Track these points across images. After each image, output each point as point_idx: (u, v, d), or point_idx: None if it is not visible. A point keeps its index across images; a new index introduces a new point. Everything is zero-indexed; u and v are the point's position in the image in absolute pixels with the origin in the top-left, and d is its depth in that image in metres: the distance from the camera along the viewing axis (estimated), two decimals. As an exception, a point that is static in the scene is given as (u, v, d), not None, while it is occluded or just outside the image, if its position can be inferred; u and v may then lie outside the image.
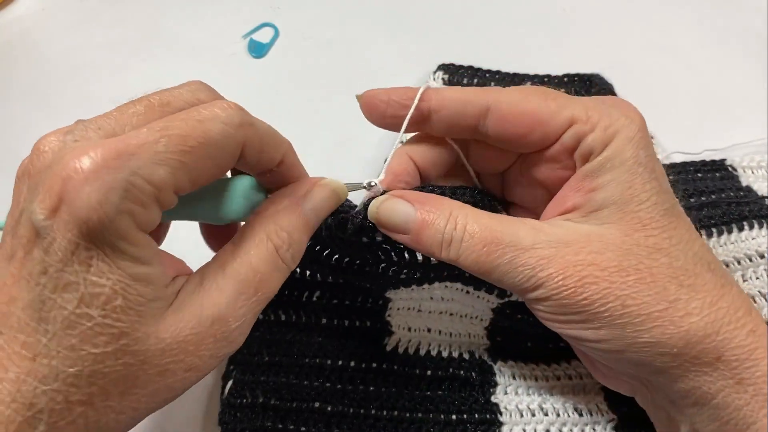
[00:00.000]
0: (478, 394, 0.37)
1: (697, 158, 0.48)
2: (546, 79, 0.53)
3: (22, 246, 0.22)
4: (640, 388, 0.31)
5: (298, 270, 0.37)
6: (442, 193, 0.31)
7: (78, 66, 0.59)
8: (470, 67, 0.54)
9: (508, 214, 0.35)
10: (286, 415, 0.35)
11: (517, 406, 0.37)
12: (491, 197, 0.34)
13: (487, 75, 0.54)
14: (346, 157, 0.51)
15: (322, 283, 0.39)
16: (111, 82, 0.58)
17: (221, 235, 0.32)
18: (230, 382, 0.37)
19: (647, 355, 0.27)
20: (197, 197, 0.26)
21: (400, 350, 0.39)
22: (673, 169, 0.47)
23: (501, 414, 0.36)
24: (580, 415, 0.36)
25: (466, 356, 0.39)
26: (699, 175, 0.47)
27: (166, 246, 0.29)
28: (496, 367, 0.39)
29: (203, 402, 0.39)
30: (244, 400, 0.36)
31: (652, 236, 0.27)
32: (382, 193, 0.31)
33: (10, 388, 0.21)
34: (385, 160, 0.32)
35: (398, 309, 0.38)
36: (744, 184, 0.45)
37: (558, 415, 0.36)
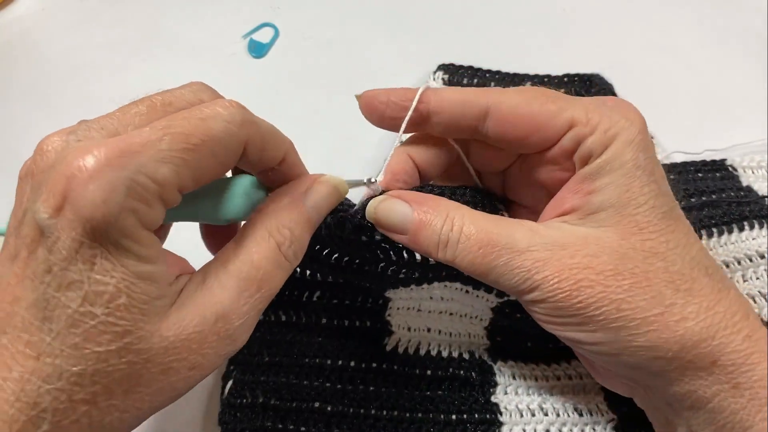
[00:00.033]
0: (478, 394, 0.37)
1: (697, 158, 0.48)
2: (546, 79, 0.53)
3: (26, 246, 0.22)
4: (638, 390, 0.31)
5: (298, 270, 0.37)
6: (441, 193, 0.31)
7: (78, 66, 0.59)
8: (470, 67, 0.54)
9: (509, 212, 0.35)
10: (286, 415, 0.35)
11: (517, 406, 0.37)
12: (491, 196, 0.34)
13: (487, 75, 0.54)
14: (346, 157, 0.51)
15: (322, 283, 0.39)
16: (111, 82, 0.58)
17: (221, 236, 0.32)
18: (230, 382, 0.37)
19: (642, 358, 0.27)
20: (198, 197, 0.26)
21: (400, 350, 0.39)
22: (673, 168, 0.47)
23: (501, 414, 0.36)
24: (580, 415, 0.36)
25: (466, 356, 0.39)
26: (699, 174, 0.47)
27: (167, 247, 0.29)
28: (496, 367, 0.39)
29: (203, 402, 0.39)
30: (244, 400, 0.36)
31: (649, 240, 0.27)
32: (380, 193, 0.31)
33: (13, 387, 0.21)
34: (385, 160, 0.32)
35: (398, 309, 0.38)
36: (744, 184, 0.45)
37: (558, 415, 0.36)
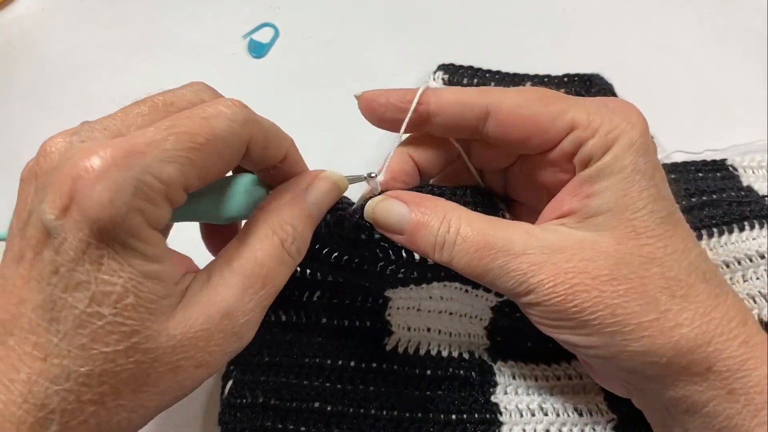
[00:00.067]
0: (478, 393, 0.37)
1: (698, 158, 0.48)
2: (546, 79, 0.53)
3: (32, 247, 0.22)
4: (635, 392, 0.31)
5: (298, 269, 0.37)
6: (441, 193, 0.31)
7: (78, 66, 0.59)
8: (470, 67, 0.54)
9: (511, 211, 0.35)
10: (286, 415, 0.35)
11: (517, 406, 0.37)
12: (492, 196, 0.34)
13: (487, 75, 0.54)
14: (346, 156, 0.51)
15: (322, 283, 0.39)
16: (111, 82, 0.58)
17: (221, 236, 0.32)
18: (230, 382, 0.37)
19: (637, 363, 0.27)
20: (199, 196, 0.26)
21: (400, 350, 0.39)
22: (674, 168, 0.47)
23: (501, 414, 0.36)
24: (580, 415, 0.36)
25: (465, 356, 0.39)
26: (700, 174, 0.47)
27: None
28: (496, 367, 0.39)
29: (203, 402, 0.39)
30: (244, 400, 0.36)
31: (646, 245, 0.27)
32: (379, 193, 0.31)
33: (21, 388, 0.21)
34: (387, 158, 0.32)
35: (398, 308, 0.38)
36: (745, 183, 0.45)
37: (558, 415, 0.36)
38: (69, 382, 0.21)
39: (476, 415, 0.36)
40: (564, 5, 0.64)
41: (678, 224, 0.28)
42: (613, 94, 0.51)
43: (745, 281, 0.39)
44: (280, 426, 0.35)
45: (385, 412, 0.36)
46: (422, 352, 0.39)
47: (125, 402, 0.23)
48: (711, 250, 0.40)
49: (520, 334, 0.39)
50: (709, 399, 0.27)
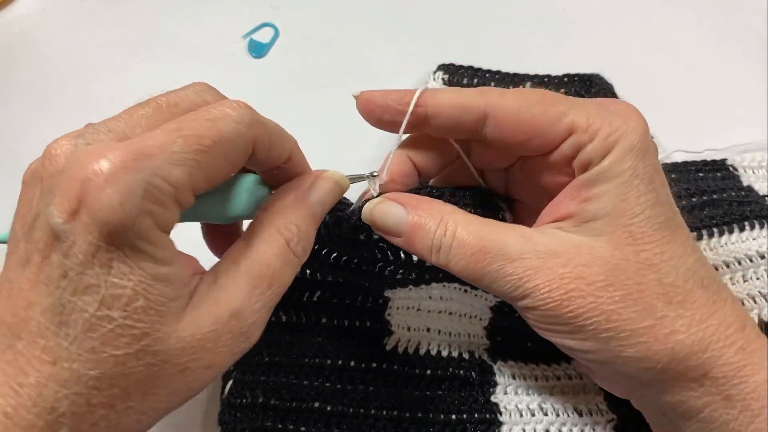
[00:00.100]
0: (478, 393, 0.37)
1: (698, 158, 0.48)
2: (546, 79, 0.53)
3: (39, 250, 0.22)
4: (633, 394, 0.31)
5: (298, 269, 0.38)
6: (441, 195, 0.31)
7: (78, 66, 0.59)
8: (470, 67, 0.54)
9: (513, 211, 0.35)
10: (286, 415, 0.35)
11: (516, 406, 0.37)
12: (493, 196, 0.34)
13: (487, 75, 0.53)
14: (346, 156, 0.51)
15: (322, 283, 0.39)
16: (111, 82, 0.58)
17: (223, 235, 0.32)
18: (230, 382, 0.37)
19: (632, 368, 0.27)
20: (203, 197, 0.26)
21: (400, 350, 0.39)
22: (674, 168, 0.47)
23: (501, 414, 0.36)
24: (580, 415, 0.36)
25: (465, 356, 0.39)
26: (700, 174, 0.47)
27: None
28: (495, 367, 0.39)
29: (203, 402, 0.39)
30: (244, 400, 0.36)
31: (643, 251, 0.27)
32: (377, 195, 0.31)
33: (30, 392, 0.21)
34: (389, 157, 0.32)
35: (398, 308, 0.38)
36: (745, 183, 0.45)
37: (558, 415, 0.36)
38: (79, 385, 0.21)
39: (476, 415, 0.36)
40: (564, 5, 0.64)
41: (677, 229, 0.28)
42: (613, 94, 0.51)
43: (745, 281, 0.39)
44: (280, 426, 0.35)
45: (385, 412, 0.36)
46: (422, 352, 0.39)
47: (135, 404, 0.23)
48: (711, 250, 0.40)
49: (520, 334, 0.39)
50: (705, 405, 0.27)
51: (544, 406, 0.36)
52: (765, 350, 0.27)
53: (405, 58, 0.59)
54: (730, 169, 0.47)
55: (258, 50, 0.60)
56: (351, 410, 0.36)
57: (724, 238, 0.40)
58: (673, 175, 0.46)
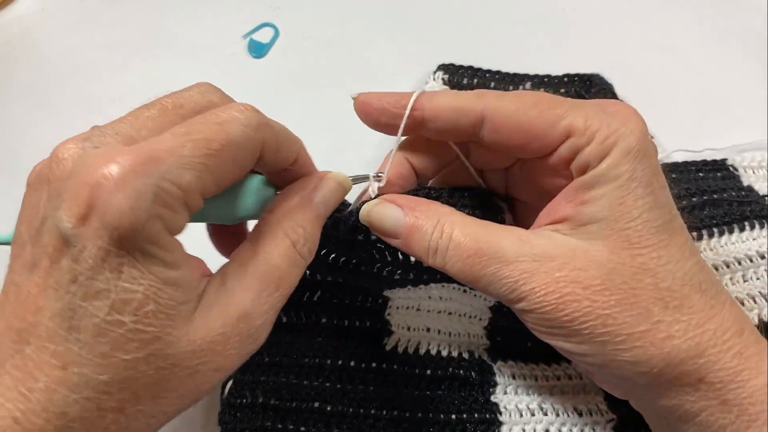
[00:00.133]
0: (478, 393, 0.37)
1: (698, 157, 0.48)
2: (546, 79, 0.53)
3: (48, 255, 0.22)
4: (631, 396, 0.31)
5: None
6: (438, 196, 0.31)
7: (78, 66, 0.59)
8: (470, 67, 0.54)
9: (513, 210, 0.35)
10: (286, 415, 0.35)
11: (516, 406, 0.37)
12: (492, 197, 0.34)
13: (487, 75, 0.53)
14: (346, 156, 0.51)
15: (322, 283, 0.39)
16: (111, 82, 0.58)
17: (228, 235, 0.32)
18: (230, 382, 0.37)
19: (628, 372, 0.27)
20: (210, 198, 0.26)
21: (400, 350, 0.39)
22: (675, 168, 0.47)
23: (501, 414, 0.36)
24: (580, 415, 0.36)
25: (465, 356, 0.39)
26: (701, 174, 0.47)
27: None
28: (495, 367, 0.39)
29: (203, 402, 0.39)
30: (244, 400, 0.36)
31: (639, 255, 0.27)
32: (375, 197, 0.31)
33: (40, 397, 0.21)
34: (390, 158, 0.32)
35: (397, 308, 0.38)
36: (745, 183, 0.45)
37: (558, 415, 0.36)
38: (89, 390, 0.21)
39: (476, 415, 0.36)
40: (564, 5, 0.64)
41: (675, 232, 0.28)
42: (613, 94, 0.51)
43: (745, 281, 0.39)
44: (280, 426, 0.35)
45: (385, 412, 0.36)
46: (422, 351, 0.39)
47: (145, 408, 0.23)
48: (711, 250, 0.40)
49: (520, 334, 0.38)
50: (701, 409, 0.27)
51: (544, 406, 0.36)
52: (763, 354, 0.27)
53: (405, 58, 0.59)
54: (731, 169, 0.47)
55: (258, 50, 0.60)
56: (351, 410, 0.36)
57: (725, 238, 0.40)
58: (673, 175, 0.46)
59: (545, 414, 0.36)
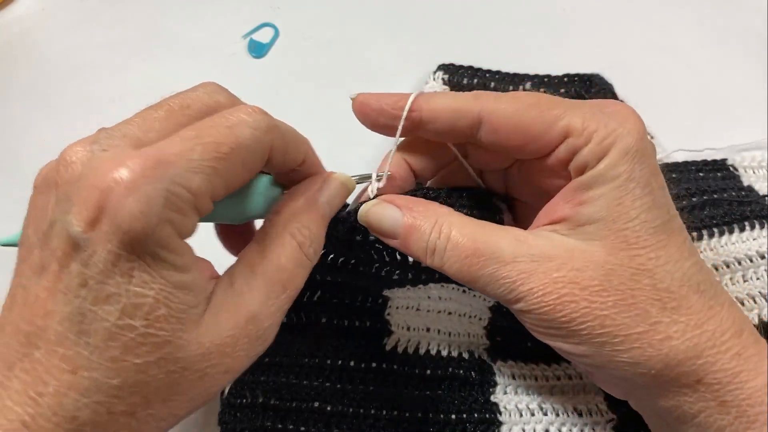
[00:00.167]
0: (478, 393, 0.37)
1: (698, 157, 0.48)
2: (546, 79, 0.53)
3: (57, 259, 0.22)
4: (630, 396, 0.31)
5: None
6: (437, 197, 0.31)
7: (78, 66, 0.59)
8: (470, 67, 0.54)
9: (513, 210, 0.35)
10: (286, 415, 0.35)
11: (516, 406, 0.37)
12: (491, 196, 0.34)
13: (487, 75, 0.53)
14: (346, 156, 0.51)
15: (322, 283, 0.39)
16: (111, 82, 0.58)
17: (236, 233, 0.32)
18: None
19: (626, 373, 0.27)
20: (219, 200, 0.26)
21: (400, 350, 0.39)
22: (675, 168, 0.47)
23: (500, 413, 0.36)
24: (580, 415, 0.36)
25: (465, 356, 0.39)
26: (701, 174, 0.47)
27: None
28: (495, 367, 0.39)
29: (203, 402, 0.39)
30: (244, 400, 0.36)
31: (637, 256, 0.27)
32: (374, 197, 0.31)
33: (50, 401, 0.21)
34: (389, 158, 0.32)
35: (397, 308, 0.39)
36: (745, 183, 0.45)
37: (558, 415, 0.36)
38: (100, 394, 0.21)
39: (476, 415, 0.36)
40: (564, 5, 0.64)
41: (673, 233, 0.28)
42: (613, 94, 0.51)
43: (745, 281, 0.39)
44: (280, 426, 0.35)
45: (385, 412, 0.36)
46: (422, 351, 0.39)
47: (155, 411, 0.23)
48: (711, 250, 0.40)
49: (520, 334, 0.38)
50: (700, 410, 0.27)
51: (544, 406, 0.36)
52: (762, 356, 0.27)
53: (405, 58, 0.59)
54: (731, 169, 0.47)
55: (258, 50, 0.60)
56: (351, 410, 0.36)
57: (725, 238, 0.40)
58: (673, 175, 0.46)
59: (545, 414, 0.36)
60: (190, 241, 0.24)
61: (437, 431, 0.36)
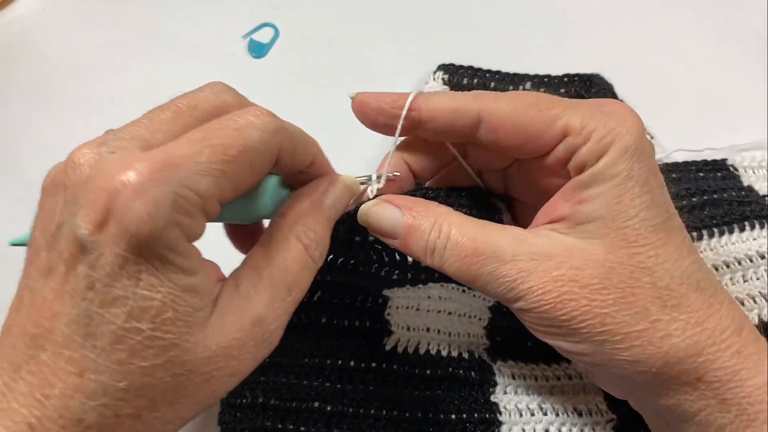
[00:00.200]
0: (478, 393, 0.37)
1: (698, 157, 0.48)
2: (546, 79, 0.53)
3: (64, 261, 0.22)
4: (630, 395, 0.31)
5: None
6: (436, 196, 0.31)
7: (78, 66, 0.59)
8: (470, 67, 0.54)
9: (512, 210, 0.35)
10: (286, 415, 0.35)
11: (516, 406, 0.37)
12: (490, 196, 0.34)
13: (487, 75, 0.53)
14: (346, 156, 0.51)
15: (322, 283, 0.39)
16: (111, 82, 0.58)
17: (244, 233, 0.32)
18: (230, 382, 0.37)
19: (627, 371, 0.27)
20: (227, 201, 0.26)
21: (400, 350, 0.39)
22: (675, 168, 0.47)
23: (500, 413, 0.36)
24: (580, 415, 0.36)
25: (465, 356, 0.39)
26: (701, 174, 0.47)
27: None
28: (495, 367, 0.39)
29: (203, 402, 0.39)
30: (244, 400, 0.36)
31: (636, 254, 0.27)
32: (373, 197, 0.31)
33: (56, 404, 0.21)
34: (388, 159, 0.32)
35: (397, 308, 0.39)
36: (745, 183, 0.45)
37: (557, 414, 0.36)
38: (106, 397, 0.21)
39: (476, 415, 0.36)
40: (564, 5, 0.64)
41: (672, 231, 0.28)
42: (613, 94, 0.51)
43: (745, 281, 0.39)
44: (279, 426, 0.35)
45: (385, 412, 0.36)
46: (422, 351, 0.39)
47: (161, 414, 0.23)
48: (711, 250, 0.40)
49: (520, 334, 0.38)
50: (700, 408, 0.27)
51: (543, 406, 0.36)
52: (763, 354, 0.27)
53: (405, 58, 0.59)
54: (731, 169, 0.47)
55: (258, 50, 0.60)
56: (351, 410, 0.36)
57: (725, 238, 0.40)
58: (673, 175, 0.46)
59: (545, 414, 0.36)
60: (196, 242, 0.24)
61: (437, 431, 0.36)
